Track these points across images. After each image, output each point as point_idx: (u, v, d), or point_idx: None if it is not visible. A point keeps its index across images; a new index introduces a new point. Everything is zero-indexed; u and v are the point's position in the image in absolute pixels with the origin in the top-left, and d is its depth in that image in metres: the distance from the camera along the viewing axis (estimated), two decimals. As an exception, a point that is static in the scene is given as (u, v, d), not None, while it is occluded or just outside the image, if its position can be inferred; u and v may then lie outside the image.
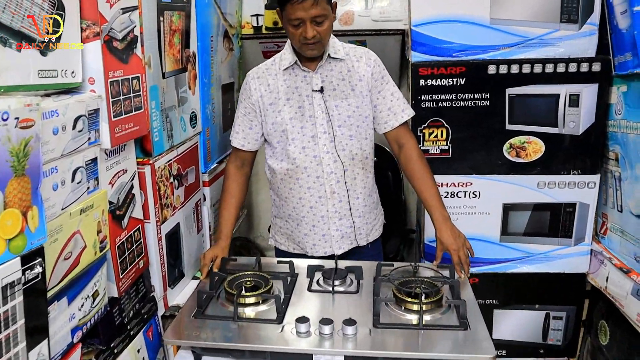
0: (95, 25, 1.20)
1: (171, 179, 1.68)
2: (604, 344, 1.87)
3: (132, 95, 1.37)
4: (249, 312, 1.43)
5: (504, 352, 2.07)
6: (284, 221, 1.84)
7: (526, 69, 1.84)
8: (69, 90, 1.22)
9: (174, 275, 1.76)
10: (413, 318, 1.39)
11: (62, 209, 1.15)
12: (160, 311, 1.69)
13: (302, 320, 1.31)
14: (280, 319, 1.38)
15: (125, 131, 1.34)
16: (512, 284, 2.00)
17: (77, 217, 1.20)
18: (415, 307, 1.40)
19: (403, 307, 1.43)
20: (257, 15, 2.26)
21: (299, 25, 1.54)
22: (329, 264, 1.69)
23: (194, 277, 1.92)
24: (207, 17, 1.87)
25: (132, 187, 1.48)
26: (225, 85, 2.14)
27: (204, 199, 2.00)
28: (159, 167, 1.59)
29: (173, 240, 1.73)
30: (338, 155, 1.69)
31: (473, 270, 2.00)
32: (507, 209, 1.93)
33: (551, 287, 1.99)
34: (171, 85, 1.66)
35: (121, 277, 1.42)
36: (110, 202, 1.37)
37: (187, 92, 1.77)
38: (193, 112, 1.83)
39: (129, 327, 1.50)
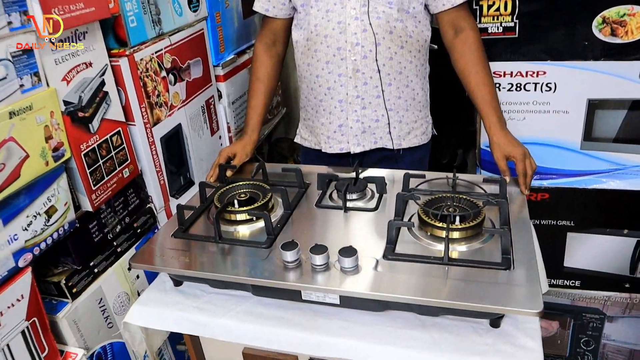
0: None
1: (163, 74, 1.42)
2: None
3: (76, -34, 1.08)
4: (243, 231, 1.20)
5: (577, 283, 1.70)
6: (305, 110, 1.55)
7: None
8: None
9: (178, 184, 1.56)
10: (440, 249, 1.08)
11: (-24, 112, 0.94)
12: (163, 223, 1.51)
13: (288, 246, 1.05)
14: (269, 242, 1.13)
15: (70, 13, 1.07)
16: (594, 202, 1.58)
17: (5, 122, 0.98)
18: (451, 234, 1.09)
19: (429, 234, 1.12)
20: None
21: None
22: (350, 172, 1.40)
23: (211, 185, 1.71)
24: None
25: (102, 83, 1.24)
26: (245, -41, 1.78)
27: (219, 97, 1.73)
28: (141, 59, 1.33)
29: (173, 143, 1.51)
30: (370, 24, 1.33)
31: (544, 183, 1.60)
32: (594, 107, 1.47)
33: (648, 208, 1.55)
34: (153, -43, 1.34)
35: (94, 189, 1.23)
36: (68, 103, 1.14)
37: (180, -34, 1.45)
38: (192, -9, 1.52)
39: (115, 244, 1.34)
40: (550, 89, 1.48)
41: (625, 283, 1.68)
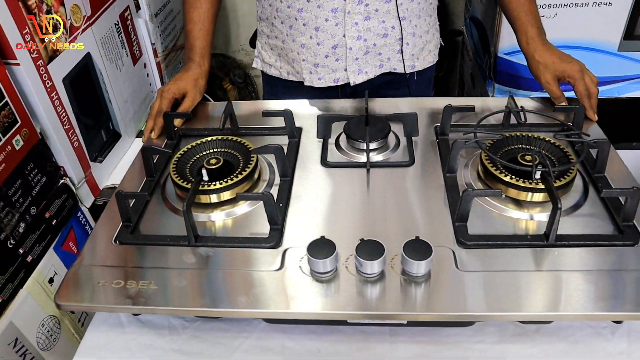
0: None
1: (51, -25, 0.89)
2: None
3: None
4: (220, 219, 0.79)
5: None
6: (268, 23, 1.08)
7: None
8: None
9: (99, 141, 1.09)
10: (521, 217, 0.76)
11: None
12: (87, 201, 1.05)
13: (320, 249, 0.67)
14: (276, 237, 0.74)
15: None
16: (623, 113, 1.32)
17: None
18: (535, 198, 0.76)
19: (504, 196, 0.78)
20: None
21: None
22: (356, 108, 1.01)
23: (141, 133, 1.24)
24: None
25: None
26: None
27: (136, 7, 1.21)
28: (10, -49, 0.80)
29: (82, 85, 1.01)
30: None
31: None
32: (643, -6, 1.16)
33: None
34: None
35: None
36: None
37: None
38: None
39: (21, 252, 0.88)
40: (595, -27, 1.13)
41: None
